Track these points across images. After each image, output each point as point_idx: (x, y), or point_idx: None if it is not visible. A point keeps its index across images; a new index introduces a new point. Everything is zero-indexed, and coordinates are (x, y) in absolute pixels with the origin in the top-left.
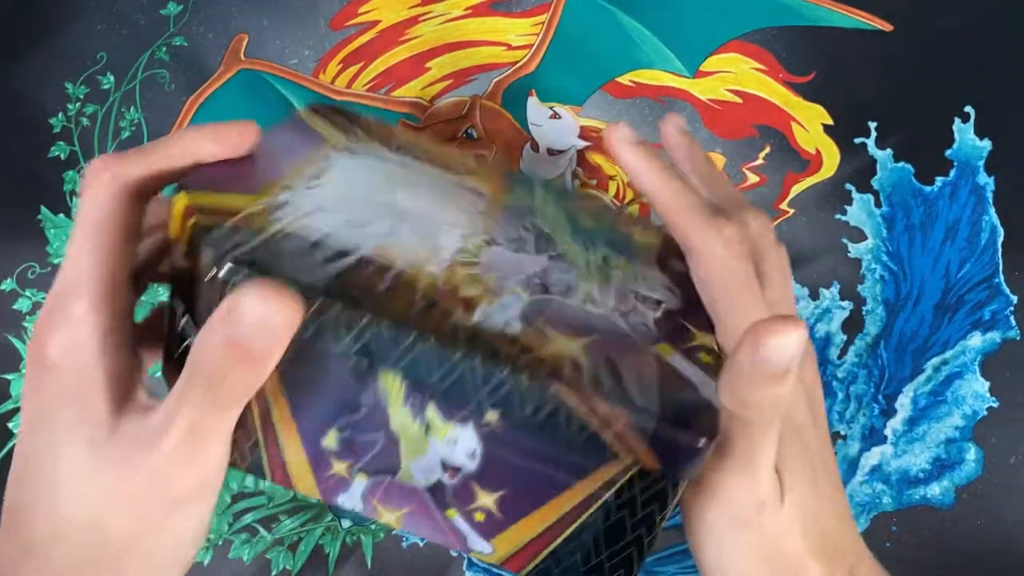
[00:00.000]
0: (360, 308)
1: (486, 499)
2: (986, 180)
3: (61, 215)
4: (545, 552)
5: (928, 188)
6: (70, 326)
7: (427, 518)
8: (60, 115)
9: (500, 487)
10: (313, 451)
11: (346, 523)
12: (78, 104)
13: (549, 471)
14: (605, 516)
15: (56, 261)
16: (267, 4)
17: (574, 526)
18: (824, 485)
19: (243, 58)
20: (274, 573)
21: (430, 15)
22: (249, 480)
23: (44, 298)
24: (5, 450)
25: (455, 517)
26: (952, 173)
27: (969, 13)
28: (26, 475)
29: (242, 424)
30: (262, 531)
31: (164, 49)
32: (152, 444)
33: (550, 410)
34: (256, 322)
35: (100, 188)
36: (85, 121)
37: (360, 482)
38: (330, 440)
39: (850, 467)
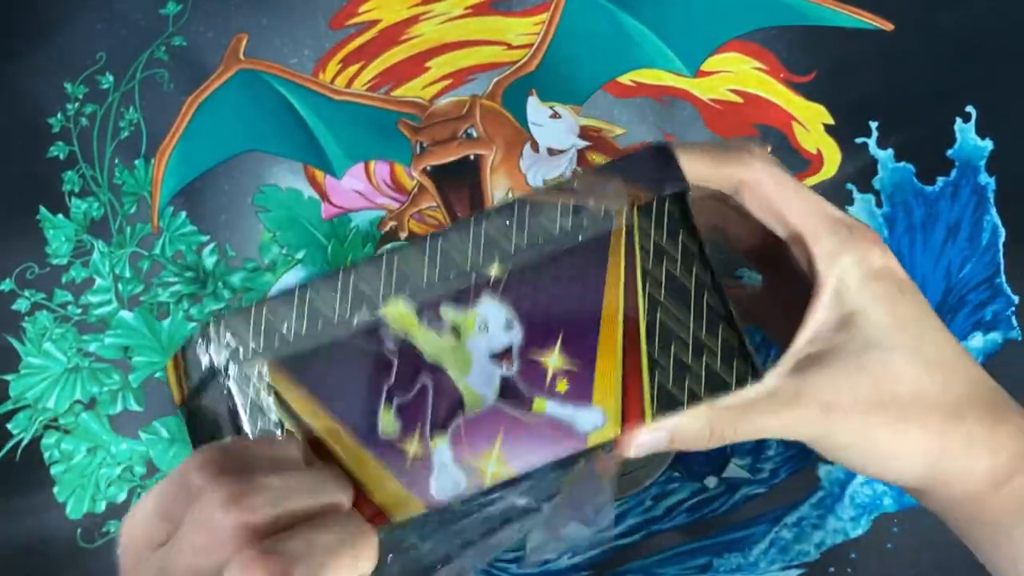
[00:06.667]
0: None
1: (553, 359)
2: (987, 180)
3: (60, 215)
4: (645, 374)
5: (929, 188)
6: None
7: (523, 432)
8: (59, 115)
9: (554, 333)
10: (382, 450)
11: None
12: (77, 104)
13: (575, 275)
14: (654, 281)
15: (54, 261)
16: (266, 3)
17: (643, 319)
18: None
19: (242, 58)
20: None
21: (430, 14)
22: None
23: (43, 299)
24: (5, 450)
25: (545, 408)
26: (953, 173)
27: (970, 12)
28: None
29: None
30: None
31: (163, 49)
32: None
33: (531, 219)
34: None
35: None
36: (84, 121)
37: (441, 446)
38: (387, 423)
39: None
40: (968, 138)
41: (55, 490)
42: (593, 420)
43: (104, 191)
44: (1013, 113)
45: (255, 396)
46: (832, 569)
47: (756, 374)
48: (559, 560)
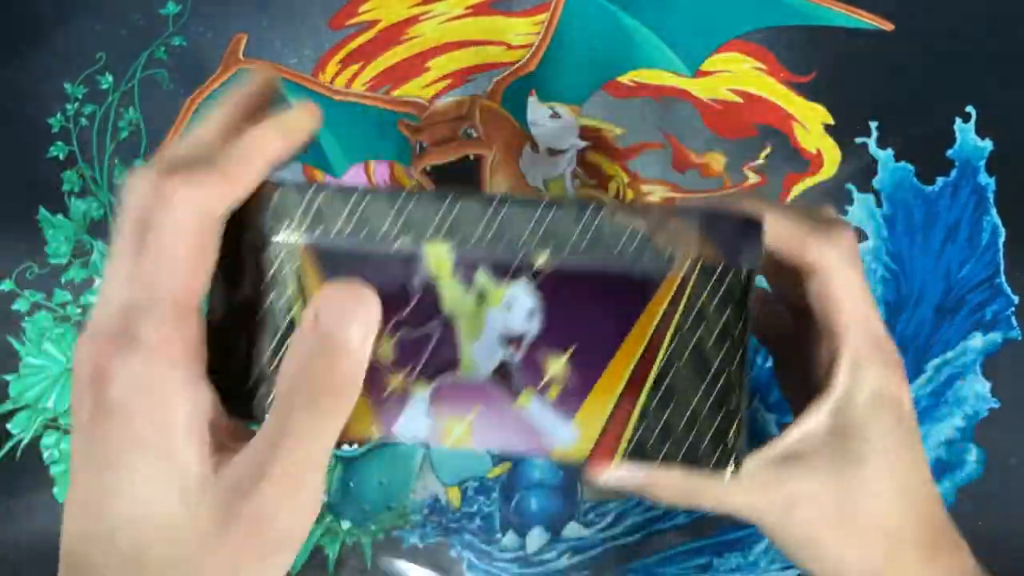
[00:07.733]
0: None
1: (556, 365)
2: (987, 180)
3: (59, 215)
4: (634, 417)
5: (929, 188)
6: (141, 355)
7: (498, 416)
8: (58, 115)
9: (568, 342)
10: (369, 372)
11: (346, 524)
12: (76, 104)
13: (613, 300)
14: (683, 339)
15: (54, 261)
16: (266, 3)
17: (656, 369)
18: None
19: (242, 58)
20: None
21: (430, 14)
22: None
23: (42, 299)
24: (5, 449)
25: (529, 404)
26: (953, 173)
27: (970, 12)
28: (96, 522)
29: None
30: None
31: (163, 49)
32: (253, 487)
33: (598, 228)
34: (345, 314)
35: (181, 216)
36: (84, 121)
37: (421, 393)
38: (384, 349)
39: None
40: (968, 138)
41: (55, 490)
42: (566, 436)
43: (104, 191)
44: (1013, 113)
45: (281, 269)
46: None
47: (736, 468)
48: (559, 560)
